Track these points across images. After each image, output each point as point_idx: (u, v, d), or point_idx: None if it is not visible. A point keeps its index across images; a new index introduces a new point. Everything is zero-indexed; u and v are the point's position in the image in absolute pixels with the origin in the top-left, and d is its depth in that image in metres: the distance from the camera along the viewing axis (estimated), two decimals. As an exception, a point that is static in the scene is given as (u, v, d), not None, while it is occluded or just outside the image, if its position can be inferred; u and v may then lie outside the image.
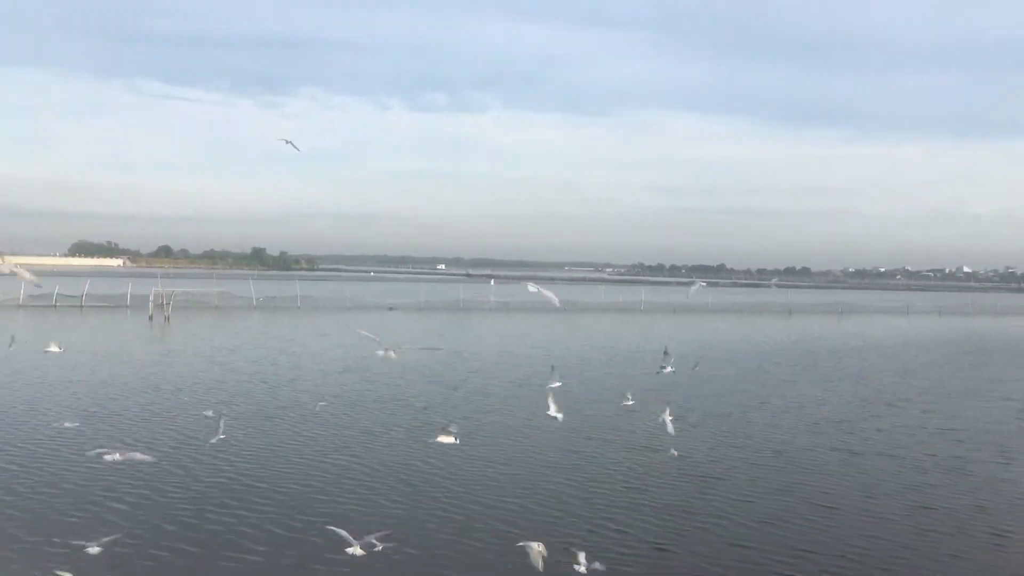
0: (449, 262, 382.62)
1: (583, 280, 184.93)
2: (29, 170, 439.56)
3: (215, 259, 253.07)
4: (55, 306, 67.39)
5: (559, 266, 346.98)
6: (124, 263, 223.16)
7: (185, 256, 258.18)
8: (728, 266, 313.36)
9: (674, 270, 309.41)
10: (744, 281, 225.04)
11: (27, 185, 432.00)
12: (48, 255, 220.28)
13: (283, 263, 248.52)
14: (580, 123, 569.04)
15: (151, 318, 58.67)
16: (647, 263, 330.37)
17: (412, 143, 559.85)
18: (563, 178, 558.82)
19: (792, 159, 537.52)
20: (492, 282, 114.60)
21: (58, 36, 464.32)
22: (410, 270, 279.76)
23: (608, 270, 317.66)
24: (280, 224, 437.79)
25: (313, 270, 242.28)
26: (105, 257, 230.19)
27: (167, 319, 58.02)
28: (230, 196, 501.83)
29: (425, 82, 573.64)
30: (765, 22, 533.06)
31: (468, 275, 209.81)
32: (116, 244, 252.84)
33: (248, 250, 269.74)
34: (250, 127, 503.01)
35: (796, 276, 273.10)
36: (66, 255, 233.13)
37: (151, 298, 61.55)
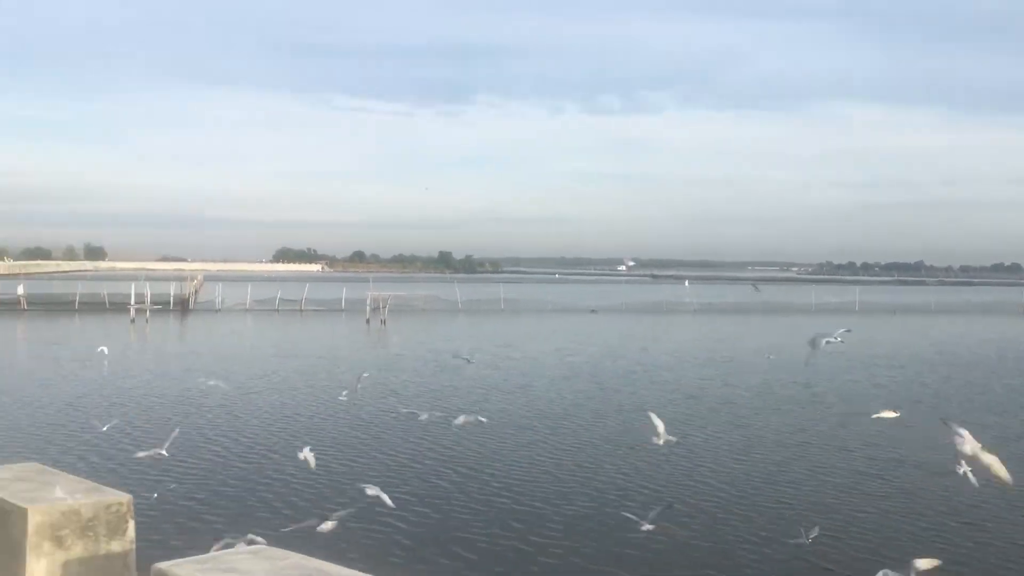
0: (623, 263, 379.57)
1: (774, 279, 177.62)
2: (233, 182, 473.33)
3: (404, 263, 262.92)
4: (278, 310, 70.89)
5: (741, 266, 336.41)
6: (322, 268, 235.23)
7: (376, 260, 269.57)
8: (927, 263, 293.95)
9: (867, 268, 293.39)
10: (951, 279, 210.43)
11: (232, 197, 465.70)
12: (255, 261, 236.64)
13: (469, 266, 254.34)
14: (758, 119, 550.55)
15: (368, 322, 60.50)
16: (835, 261, 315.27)
17: (587, 146, 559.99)
18: (741, 175, 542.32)
19: (994, 146, 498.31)
20: (686, 283, 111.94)
21: (258, 57, 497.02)
22: (594, 272, 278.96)
23: (794, 269, 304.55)
24: (462, 228, 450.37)
25: (497, 272, 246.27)
26: (305, 262, 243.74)
27: (383, 322, 59.72)
28: (415, 202, 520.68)
29: (599, 85, 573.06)
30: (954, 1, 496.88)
31: (653, 276, 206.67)
32: (315, 250, 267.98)
33: (435, 254, 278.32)
34: (431, 135, 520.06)
35: (1007, 272, 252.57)
36: (271, 261, 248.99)
37: (368, 302, 63.58)
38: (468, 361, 32.25)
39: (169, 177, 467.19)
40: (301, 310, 71.48)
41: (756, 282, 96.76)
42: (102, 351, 32.80)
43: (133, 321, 56.67)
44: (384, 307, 62.31)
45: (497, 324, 63.42)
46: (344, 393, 22.80)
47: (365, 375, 24.14)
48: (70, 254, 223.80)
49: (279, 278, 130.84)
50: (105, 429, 18.04)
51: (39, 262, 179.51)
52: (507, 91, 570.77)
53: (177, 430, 14.89)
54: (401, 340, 49.17)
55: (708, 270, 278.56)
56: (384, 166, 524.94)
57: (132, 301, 60.22)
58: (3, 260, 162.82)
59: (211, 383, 23.16)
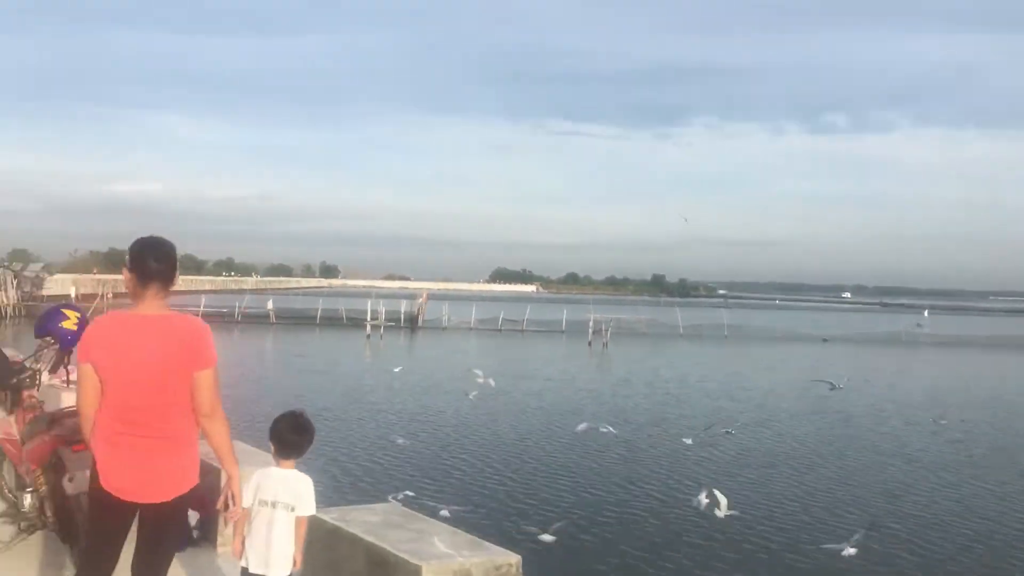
0: (851, 289, 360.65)
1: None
2: (453, 205, 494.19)
3: (617, 285, 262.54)
4: (500, 330, 72.34)
5: (982, 295, 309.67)
6: (537, 288, 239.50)
7: (589, 282, 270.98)
8: None
9: None
10: None
11: (452, 219, 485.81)
12: (473, 281, 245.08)
13: (683, 290, 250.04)
14: (1003, 137, 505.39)
15: (590, 344, 60.38)
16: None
17: (809, 167, 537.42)
18: (982, 197, 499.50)
19: None
20: (925, 313, 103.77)
21: (478, 86, 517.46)
22: (816, 298, 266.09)
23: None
24: (675, 251, 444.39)
25: (712, 296, 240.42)
26: (520, 283, 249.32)
27: (605, 345, 59.36)
28: (628, 225, 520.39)
29: (823, 104, 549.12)
30: None
31: (883, 304, 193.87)
32: (530, 271, 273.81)
33: (647, 276, 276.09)
34: (645, 158, 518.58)
35: None
36: (487, 281, 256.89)
37: (590, 325, 63.56)
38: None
39: (396, 200, 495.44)
40: (523, 330, 72.58)
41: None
42: (396, 370, 34.82)
43: (368, 337, 59.67)
44: (606, 330, 62.02)
45: (722, 351, 61.40)
46: (605, 426, 22.42)
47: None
48: (308, 271, 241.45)
49: (496, 298, 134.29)
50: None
51: (282, 279, 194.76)
52: (725, 112, 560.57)
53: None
54: (625, 364, 48.58)
55: (942, 299, 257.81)
56: (598, 188, 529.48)
57: (368, 317, 63.62)
58: (252, 276, 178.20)
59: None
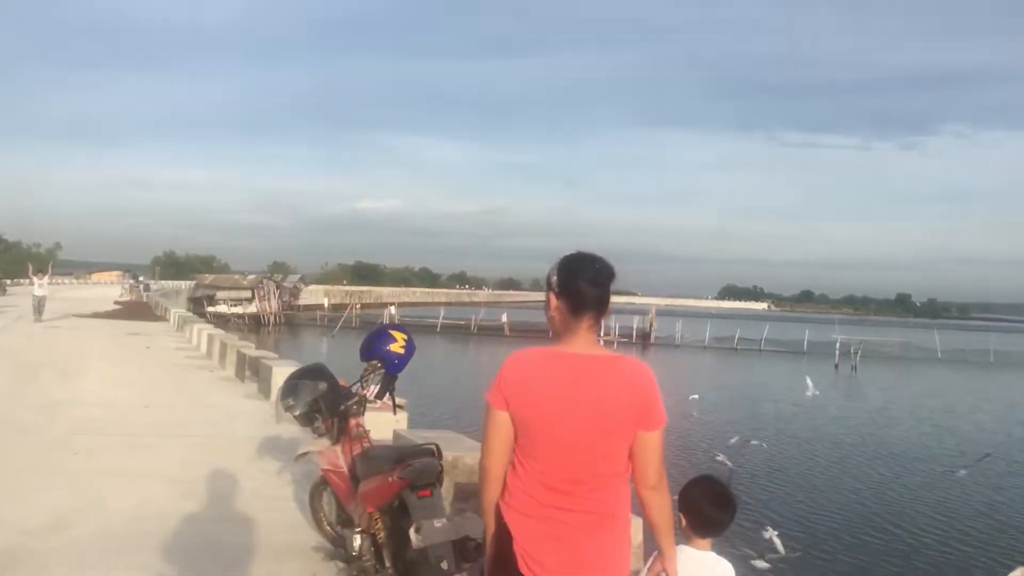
0: None
1: None
2: (682, 220, 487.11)
3: (856, 305, 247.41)
4: (736, 349, 69.60)
5: None
6: (769, 306, 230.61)
7: (825, 301, 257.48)
8: None
9: None
10: None
11: (681, 234, 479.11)
12: (701, 297, 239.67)
13: (932, 310, 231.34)
14: None
15: (836, 367, 56.58)
16: None
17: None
18: None
19: None
20: None
21: (707, 98, 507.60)
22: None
23: None
24: (922, 269, 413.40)
25: (967, 318, 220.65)
26: (750, 300, 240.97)
27: (854, 369, 55.37)
28: (868, 241, 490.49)
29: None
30: None
31: None
32: (761, 288, 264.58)
33: (890, 296, 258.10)
34: (888, 170, 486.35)
35: None
36: (716, 298, 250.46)
37: (837, 346, 59.77)
38: None
39: (624, 214, 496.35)
40: (760, 350, 69.41)
41: None
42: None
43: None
44: (855, 352, 57.89)
45: (990, 378, 55.41)
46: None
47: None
48: (537, 285, 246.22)
49: (725, 315, 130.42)
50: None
51: (511, 292, 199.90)
52: (979, 119, 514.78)
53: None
54: (878, 390, 44.82)
55: None
56: (835, 203, 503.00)
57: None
58: (484, 289, 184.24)
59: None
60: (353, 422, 5.18)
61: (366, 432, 5.19)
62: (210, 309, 70.14)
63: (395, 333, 5.25)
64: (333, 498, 5.31)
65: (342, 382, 5.46)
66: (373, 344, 5.21)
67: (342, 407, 5.15)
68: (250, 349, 15.45)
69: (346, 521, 5.15)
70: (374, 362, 5.21)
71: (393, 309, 70.90)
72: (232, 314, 71.65)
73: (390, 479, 4.41)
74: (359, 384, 5.30)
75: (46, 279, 26.84)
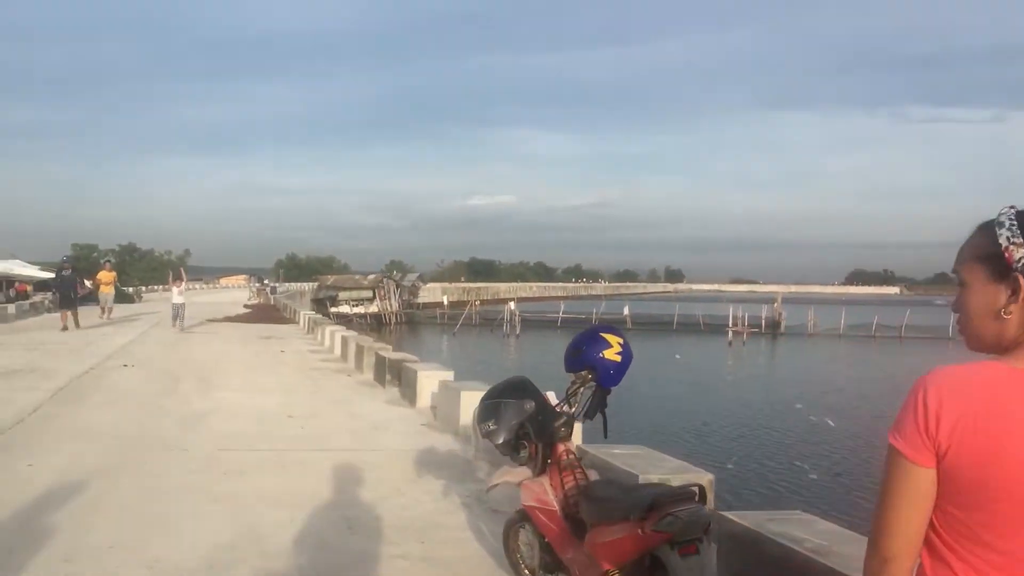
0: None
1: None
2: (806, 203, 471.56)
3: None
4: (874, 336, 66.13)
5: None
6: (901, 290, 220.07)
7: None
8: None
9: None
10: None
11: (805, 218, 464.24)
12: (827, 283, 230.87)
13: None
14: None
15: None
16: None
17: None
18: None
19: None
20: None
21: (830, 76, 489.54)
22: None
23: None
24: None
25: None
26: (881, 285, 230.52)
27: (1007, 353, 51.55)
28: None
29: None
30: None
31: None
32: (891, 272, 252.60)
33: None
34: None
35: None
36: (843, 283, 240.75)
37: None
38: None
39: (742, 202, 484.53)
40: (900, 337, 65.69)
41: None
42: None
43: (731, 344, 57.08)
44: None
45: None
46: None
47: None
48: (653, 276, 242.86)
49: (854, 301, 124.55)
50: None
51: (628, 284, 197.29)
52: None
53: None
54: None
55: None
56: (969, 179, 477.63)
57: (730, 323, 61.22)
58: (600, 282, 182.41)
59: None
60: (562, 448, 4.18)
61: (578, 461, 4.20)
62: (333, 310, 71.27)
63: (608, 337, 4.22)
64: (536, 540, 4.33)
65: (548, 398, 4.48)
66: (583, 350, 4.19)
67: (549, 430, 4.17)
68: (388, 351, 14.80)
69: (552, 567, 4.19)
70: (584, 373, 4.21)
71: (513, 305, 70.34)
72: (354, 314, 72.61)
73: (640, 531, 3.40)
74: (565, 401, 4.30)
75: (184, 285, 27.17)
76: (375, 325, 71.25)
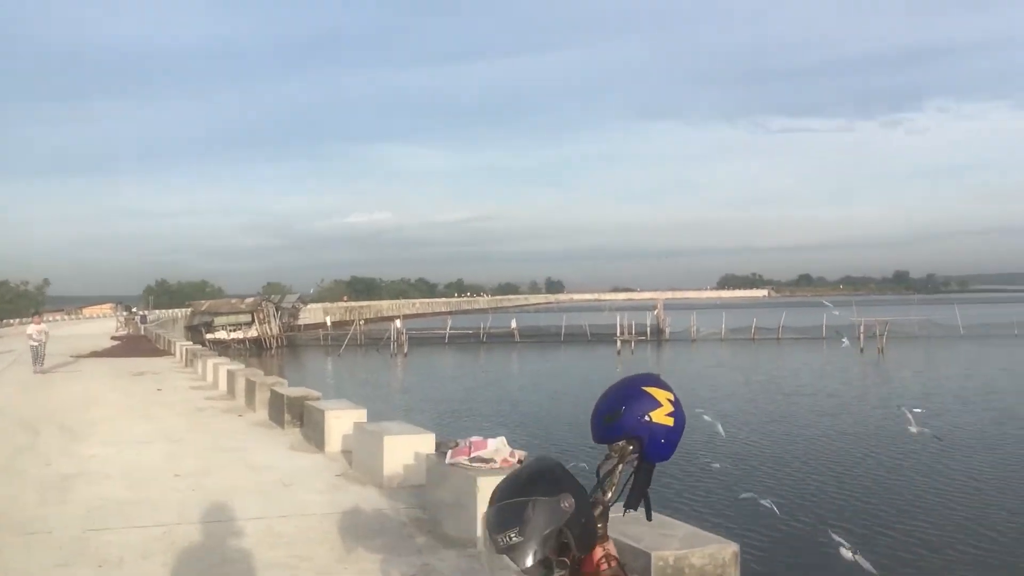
0: None
1: None
2: (675, 213, 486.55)
3: (856, 285, 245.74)
4: (753, 339, 67.65)
5: None
6: (769, 293, 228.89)
7: (824, 283, 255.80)
8: None
9: None
10: None
11: (675, 227, 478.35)
12: (700, 288, 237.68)
13: (931, 286, 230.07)
14: None
15: (862, 351, 54.62)
16: None
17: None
18: None
19: None
20: None
21: (694, 88, 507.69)
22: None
23: None
24: (916, 245, 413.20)
25: (965, 291, 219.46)
26: (750, 288, 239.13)
27: (880, 351, 53.44)
28: (860, 220, 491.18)
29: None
30: None
31: None
32: (760, 275, 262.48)
33: (888, 274, 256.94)
34: (874, 148, 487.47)
35: None
36: (715, 288, 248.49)
37: (861, 329, 57.97)
38: None
39: (617, 212, 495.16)
40: (778, 338, 67.48)
41: None
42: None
43: (619, 352, 57.14)
44: (882, 334, 56.01)
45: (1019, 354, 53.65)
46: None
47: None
48: (534, 288, 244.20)
49: (726, 305, 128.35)
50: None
51: (510, 296, 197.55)
52: (962, 92, 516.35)
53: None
54: (911, 373, 42.90)
55: None
56: (826, 185, 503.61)
57: (618, 332, 61.40)
58: (483, 295, 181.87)
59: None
60: (600, 554, 2.98)
61: (623, 568, 3.01)
62: (209, 336, 67.80)
63: (655, 392, 3.00)
64: None
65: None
66: (621, 414, 2.99)
67: (592, 534, 2.95)
68: (284, 387, 13.26)
69: None
70: (622, 444, 3.00)
71: (399, 323, 68.58)
72: (232, 339, 69.31)
73: None
74: (598, 485, 3.09)
75: (44, 325, 24.52)
76: (255, 350, 68.12)
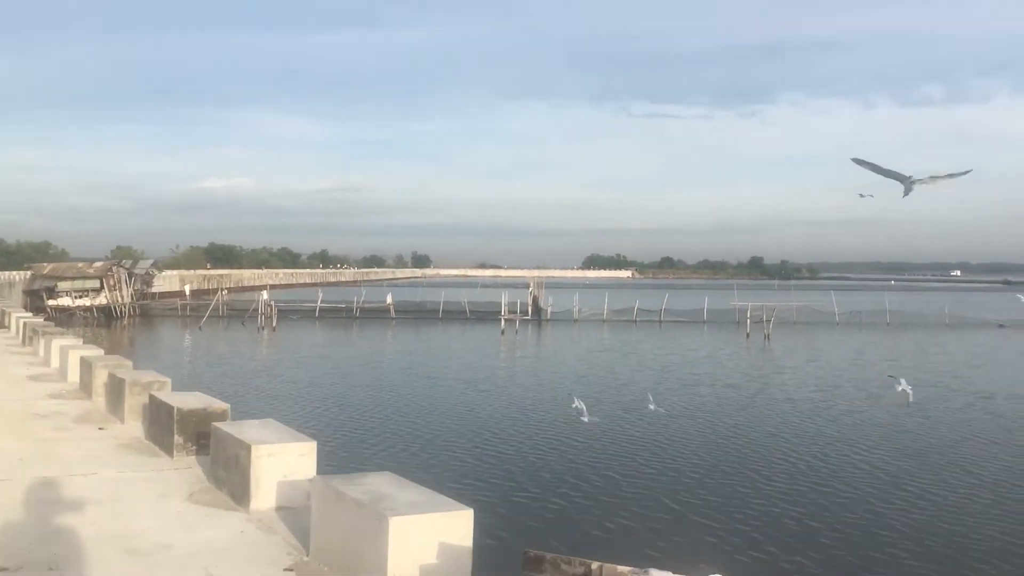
0: (956, 267, 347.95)
1: None
2: (542, 192, 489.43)
3: (714, 269, 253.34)
4: (635, 321, 66.60)
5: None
6: (632, 274, 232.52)
7: (684, 266, 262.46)
8: None
9: None
10: None
11: (542, 206, 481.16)
12: (567, 268, 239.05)
13: (784, 272, 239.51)
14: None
15: (748, 336, 54.30)
16: None
17: (903, 142, 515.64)
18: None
19: None
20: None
21: (560, 70, 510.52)
22: (927, 278, 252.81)
23: None
24: (769, 232, 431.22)
25: (816, 278, 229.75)
26: (615, 269, 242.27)
27: (767, 337, 53.13)
28: (718, 206, 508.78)
29: (916, 75, 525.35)
30: None
31: (1007, 282, 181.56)
32: (624, 256, 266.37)
33: (742, 259, 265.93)
34: (731, 137, 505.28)
35: None
36: (581, 268, 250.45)
37: (748, 314, 57.80)
38: None
39: (484, 189, 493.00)
40: (660, 321, 66.65)
41: None
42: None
43: (503, 332, 54.61)
44: (769, 320, 55.90)
45: (899, 339, 54.62)
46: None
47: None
48: (400, 262, 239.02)
49: (592, 285, 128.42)
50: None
51: (375, 269, 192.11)
52: (812, 88, 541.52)
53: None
54: (801, 360, 42.41)
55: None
56: (685, 170, 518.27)
57: (503, 312, 58.91)
58: (350, 268, 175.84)
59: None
60: None
61: None
62: (51, 302, 61.09)
63: None
64: None
65: None
66: None
67: None
68: (166, 390, 9.60)
69: None
70: None
71: (266, 294, 63.70)
72: (78, 307, 62.66)
73: None
74: None
75: None
76: (104, 320, 61.79)
